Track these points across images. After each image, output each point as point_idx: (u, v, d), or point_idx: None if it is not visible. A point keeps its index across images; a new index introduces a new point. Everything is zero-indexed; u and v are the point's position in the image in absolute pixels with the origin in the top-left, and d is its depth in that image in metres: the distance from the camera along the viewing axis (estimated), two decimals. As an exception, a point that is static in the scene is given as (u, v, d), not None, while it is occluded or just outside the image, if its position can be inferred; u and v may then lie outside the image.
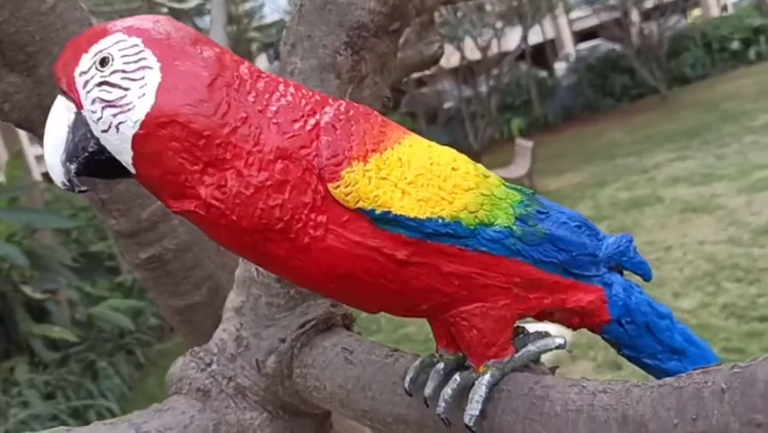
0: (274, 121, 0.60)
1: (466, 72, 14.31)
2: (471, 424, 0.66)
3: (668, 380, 0.50)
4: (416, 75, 15.35)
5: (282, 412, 0.93)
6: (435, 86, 16.09)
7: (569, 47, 20.51)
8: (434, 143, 0.69)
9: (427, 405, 0.72)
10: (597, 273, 0.74)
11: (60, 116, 0.61)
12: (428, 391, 0.72)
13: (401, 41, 1.60)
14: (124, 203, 1.10)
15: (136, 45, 0.60)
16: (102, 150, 0.60)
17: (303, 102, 0.62)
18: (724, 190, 8.02)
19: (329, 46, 0.94)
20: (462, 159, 0.69)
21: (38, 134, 1.06)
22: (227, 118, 0.59)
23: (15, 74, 0.98)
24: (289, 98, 0.62)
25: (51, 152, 0.60)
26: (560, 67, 19.09)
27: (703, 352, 0.79)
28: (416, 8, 0.99)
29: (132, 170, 0.61)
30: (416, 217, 0.62)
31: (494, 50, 14.15)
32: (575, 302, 0.73)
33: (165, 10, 7.97)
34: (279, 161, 0.59)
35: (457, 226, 0.64)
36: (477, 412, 0.66)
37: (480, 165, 0.71)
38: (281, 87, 0.63)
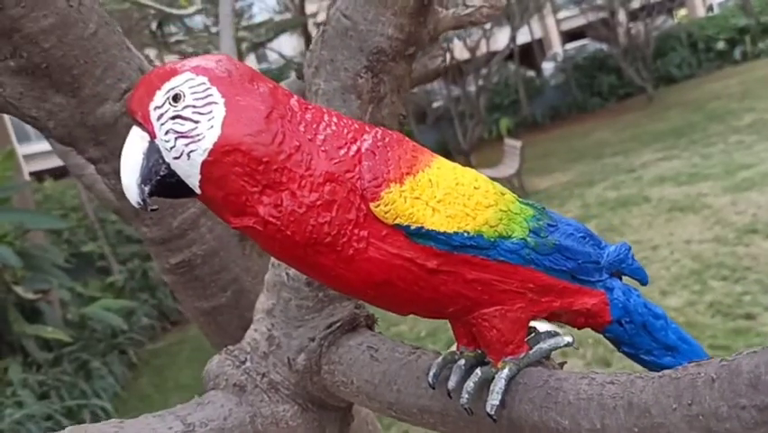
0: (322, 148, 0.69)
1: (455, 72, 14.43)
2: (493, 412, 0.75)
3: (667, 372, 0.59)
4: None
5: (311, 405, 1.01)
6: (424, 85, 16.17)
7: (556, 47, 20.71)
8: (457, 165, 0.78)
9: (450, 397, 0.81)
10: (600, 279, 0.84)
11: (135, 144, 0.69)
12: (452, 384, 0.81)
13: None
14: (157, 212, 1.18)
15: (203, 83, 0.68)
16: (172, 174, 0.69)
17: (345, 130, 0.71)
18: (710, 190, 8.16)
19: (350, 69, 1.02)
20: (482, 179, 0.78)
21: (78, 149, 1.14)
22: (283, 146, 0.68)
23: (61, 95, 1.06)
24: (334, 128, 0.71)
25: (128, 174, 0.69)
26: (548, 66, 19.28)
27: (694, 348, 0.89)
28: (430, 34, 1.08)
29: (198, 192, 0.69)
30: (445, 232, 0.71)
31: (482, 49, 14.28)
32: (581, 305, 0.82)
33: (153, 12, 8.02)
34: (328, 183, 0.68)
35: (480, 239, 0.74)
36: (497, 402, 0.75)
37: (497, 184, 0.80)
38: (326, 117, 0.72)
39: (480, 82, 13.84)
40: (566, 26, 21.02)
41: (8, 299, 6.79)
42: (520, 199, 0.82)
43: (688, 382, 0.55)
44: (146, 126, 0.69)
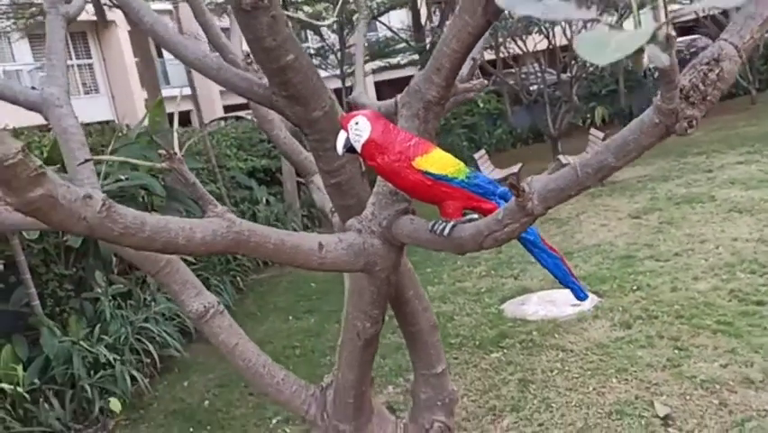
0: (399, 142, 2.33)
1: (552, 57, 15.50)
2: (446, 234, 2.37)
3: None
4: (502, 55, 16.52)
5: (386, 241, 2.67)
6: (521, 68, 17.39)
7: (664, 40, 21.16)
8: (443, 152, 2.40)
9: (435, 232, 2.44)
10: (495, 198, 2.44)
11: (342, 136, 2.35)
12: (434, 228, 2.44)
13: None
14: (328, 158, 2.87)
15: (365, 119, 2.34)
16: (353, 147, 2.35)
17: (407, 137, 2.35)
18: (774, 195, 8.80)
19: (415, 107, 2.66)
20: (452, 157, 2.40)
21: (301, 129, 2.84)
22: (387, 141, 2.32)
23: (298, 106, 2.75)
24: (403, 135, 2.35)
25: (339, 146, 2.36)
26: (653, 59, 19.86)
27: (532, 230, 2.48)
28: (451, 94, 2.70)
29: (359, 152, 2.35)
30: (434, 173, 2.34)
31: (584, 38, 15.25)
32: (486, 205, 2.43)
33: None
34: (399, 153, 2.32)
35: (446, 177, 2.36)
36: (447, 231, 2.37)
37: (458, 160, 2.41)
38: (401, 132, 2.36)
39: (577, 70, 14.88)
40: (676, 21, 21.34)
41: (151, 221, 8.79)
42: (466, 166, 2.43)
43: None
44: (346, 131, 2.35)
